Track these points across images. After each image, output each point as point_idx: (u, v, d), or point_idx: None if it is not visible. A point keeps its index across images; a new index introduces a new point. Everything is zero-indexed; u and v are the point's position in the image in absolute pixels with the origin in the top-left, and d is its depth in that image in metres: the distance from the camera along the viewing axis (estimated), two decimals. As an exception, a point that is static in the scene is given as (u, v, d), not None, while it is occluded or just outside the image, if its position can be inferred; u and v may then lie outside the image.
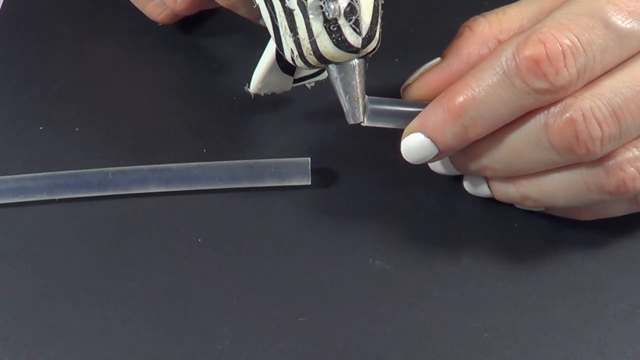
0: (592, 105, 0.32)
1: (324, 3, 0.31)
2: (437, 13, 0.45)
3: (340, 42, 0.32)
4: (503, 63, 0.32)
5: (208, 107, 0.43)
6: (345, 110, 0.35)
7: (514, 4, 0.36)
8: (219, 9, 0.45)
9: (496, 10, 0.36)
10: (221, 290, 0.38)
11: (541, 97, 0.32)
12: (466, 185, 0.39)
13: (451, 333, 0.36)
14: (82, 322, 0.37)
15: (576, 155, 0.33)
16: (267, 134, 0.41)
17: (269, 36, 0.35)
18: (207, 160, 0.41)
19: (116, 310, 0.37)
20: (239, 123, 0.42)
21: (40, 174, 0.40)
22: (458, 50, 0.36)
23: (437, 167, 0.39)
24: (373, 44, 0.33)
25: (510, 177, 0.36)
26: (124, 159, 0.41)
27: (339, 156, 0.41)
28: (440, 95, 0.35)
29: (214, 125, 0.42)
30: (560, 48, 0.31)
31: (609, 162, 0.33)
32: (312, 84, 0.40)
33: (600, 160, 0.33)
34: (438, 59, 0.37)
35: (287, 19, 0.32)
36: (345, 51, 0.32)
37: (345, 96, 0.34)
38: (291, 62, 0.34)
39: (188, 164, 0.40)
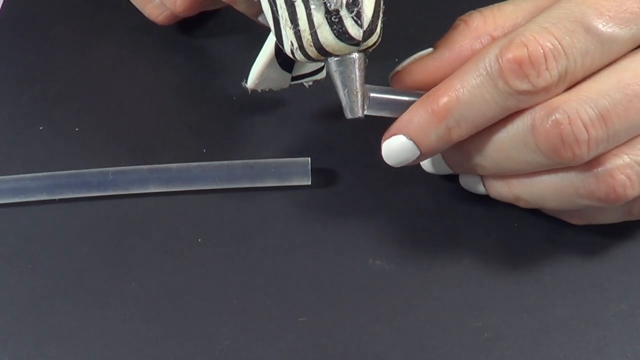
0: (579, 108, 0.32)
1: None
2: (437, 13, 0.45)
3: (341, 33, 0.32)
4: (487, 65, 0.33)
5: (208, 107, 0.43)
6: (343, 104, 0.34)
7: (509, 2, 0.37)
8: (219, 11, 0.45)
9: (492, 6, 0.36)
10: (221, 290, 0.38)
11: (523, 98, 0.33)
12: (462, 182, 0.39)
13: (451, 333, 0.36)
14: (82, 322, 0.37)
15: (562, 159, 0.32)
16: (267, 134, 0.41)
17: (269, 32, 0.35)
18: (207, 160, 0.41)
19: (116, 310, 0.37)
20: (239, 123, 0.42)
21: (40, 174, 0.40)
22: (451, 42, 0.36)
23: (427, 166, 0.39)
24: (374, 37, 0.33)
25: (503, 176, 0.36)
26: (124, 159, 0.41)
27: (339, 156, 0.41)
28: (423, 97, 0.35)
29: (213, 125, 0.42)
30: (542, 51, 0.32)
31: (599, 169, 0.33)
32: (310, 83, 0.40)
33: (590, 166, 0.33)
34: (430, 49, 0.37)
35: (288, 10, 0.32)
36: (346, 43, 0.32)
37: (344, 90, 0.34)
38: (291, 55, 0.34)
39: (188, 164, 0.40)
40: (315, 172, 0.40)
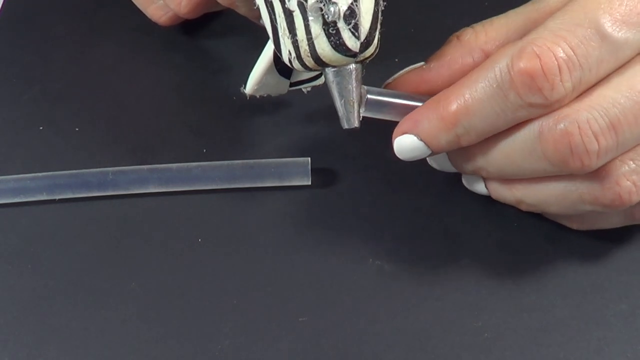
0: (589, 117, 0.31)
1: (324, 5, 0.31)
2: (437, 13, 0.45)
3: (338, 45, 0.32)
4: (497, 75, 0.32)
5: (208, 107, 0.43)
6: (340, 114, 0.34)
7: (501, 15, 0.36)
8: (222, 13, 0.45)
9: (484, 21, 0.36)
10: (221, 290, 0.38)
11: (535, 110, 0.32)
12: (464, 181, 0.39)
13: (451, 333, 0.36)
14: (82, 322, 0.37)
15: (570, 168, 0.32)
16: (267, 134, 0.41)
17: (268, 38, 0.35)
18: (207, 160, 0.41)
19: (116, 310, 0.37)
20: (239, 123, 0.42)
21: (40, 174, 0.40)
22: (442, 55, 0.36)
23: (431, 162, 0.39)
24: (371, 49, 0.33)
25: (506, 180, 0.36)
26: (124, 159, 0.41)
27: (339, 156, 0.41)
28: (433, 99, 0.35)
29: (213, 125, 0.42)
30: (556, 62, 0.31)
31: (605, 176, 0.33)
32: (309, 89, 0.40)
33: (595, 173, 0.33)
34: (422, 63, 0.37)
35: (286, 20, 0.32)
36: (342, 55, 0.32)
37: (341, 100, 0.34)
38: (288, 64, 0.34)
39: (188, 164, 0.40)
40: (315, 172, 0.40)
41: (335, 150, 0.41)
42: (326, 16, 0.31)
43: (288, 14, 0.32)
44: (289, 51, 0.33)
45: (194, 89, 0.43)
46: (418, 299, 0.37)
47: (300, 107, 0.42)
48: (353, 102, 0.34)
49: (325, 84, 0.34)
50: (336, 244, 0.39)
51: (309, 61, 0.33)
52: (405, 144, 0.35)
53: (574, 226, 0.38)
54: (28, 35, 0.48)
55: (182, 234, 0.39)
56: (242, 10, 0.38)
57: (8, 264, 0.39)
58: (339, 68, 0.33)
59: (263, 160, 0.40)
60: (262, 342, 0.36)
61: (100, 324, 0.37)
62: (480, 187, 0.38)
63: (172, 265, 0.38)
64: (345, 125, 0.35)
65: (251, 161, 0.40)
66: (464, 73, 0.34)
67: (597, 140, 0.31)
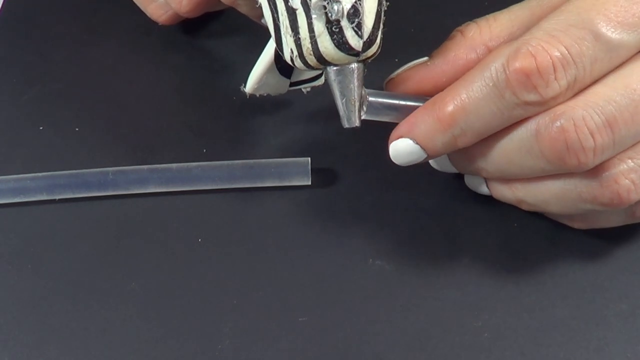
0: (585, 115, 0.31)
1: (327, 3, 0.31)
2: (437, 13, 0.45)
3: (341, 43, 0.32)
4: (493, 74, 0.32)
5: (208, 107, 0.43)
6: (341, 113, 0.35)
7: (505, 10, 0.36)
8: (222, 12, 0.45)
9: (487, 16, 0.36)
10: (221, 290, 0.38)
11: (531, 108, 0.32)
12: (466, 181, 0.39)
13: (451, 333, 0.36)
14: (82, 322, 0.37)
15: (567, 165, 0.32)
16: (267, 134, 0.41)
17: (270, 37, 0.35)
18: (207, 160, 0.41)
19: (116, 310, 0.37)
20: (239, 123, 0.42)
21: (40, 174, 0.40)
22: (446, 52, 0.36)
23: (433, 164, 0.39)
24: (373, 48, 0.33)
25: (507, 180, 0.36)
26: (124, 159, 0.41)
27: (339, 156, 0.41)
28: (429, 102, 0.35)
29: (214, 125, 0.42)
30: (551, 61, 0.31)
31: (603, 174, 0.33)
32: (308, 89, 0.40)
33: (594, 171, 0.33)
34: (425, 58, 0.37)
35: (289, 18, 0.32)
36: (345, 53, 0.32)
37: (342, 99, 0.34)
38: (290, 62, 0.34)
39: (188, 164, 0.40)
40: (315, 172, 0.40)
41: (335, 150, 0.41)
42: (329, 14, 0.31)
43: (291, 12, 0.32)
44: (291, 49, 0.33)
45: (194, 89, 0.43)
46: (418, 298, 0.37)
47: (301, 107, 0.42)
48: (355, 101, 0.34)
49: (325, 84, 0.34)
50: (336, 243, 0.39)
51: (312, 60, 0.33)
52: (400, 148, 0.36)
53: (575, 225, 0.38)
54: (28, 35, 0.48)
55: (182, 234, 0.39)
56: (243, 9, 0.38)
57: (8, 264, 0.39)
58: (341, 67, 0.33)
59: (263, 160, 0.40)
60: (262, 342, 0.36)
61: (100, 324, 0.37)
62: (482, 188, 0.38)
63: (172, 265, 0.38)
64: (346, 125, 0.35)
65: (251, 161, 0.40)
66: (468, 70, 0.34)
67: (592, 137, 0.31)
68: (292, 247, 0.39)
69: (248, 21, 0.39)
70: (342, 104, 0.34)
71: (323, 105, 0.42)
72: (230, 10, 0.40)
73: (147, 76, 0.44)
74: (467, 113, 0.33)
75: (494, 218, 0.39)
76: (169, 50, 0.46)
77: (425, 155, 0.35)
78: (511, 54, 0.32)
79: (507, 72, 0.32)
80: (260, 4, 0.34)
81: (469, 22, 0.37)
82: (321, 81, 0.40)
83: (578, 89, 0.32)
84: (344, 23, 0.32)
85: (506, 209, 0.39)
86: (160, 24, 0.44)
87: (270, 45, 0.37)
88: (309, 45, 0.32)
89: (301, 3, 0.31)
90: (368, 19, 0.32)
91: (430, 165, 0.39)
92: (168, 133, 0.42)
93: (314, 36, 0.32)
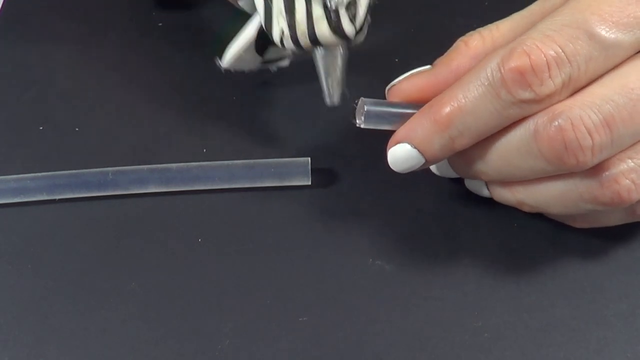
0: (582, 114, 0.31)
1: None
2: (437, 13, 0.45)
3: (337, 29, 0.34)
4: (489, 74, 0.32)
5: (208, 107, 0.43)
6: (324, 91, 0.37)
7: (507, 19, 0.37)
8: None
9: (490, 25, 0.37)
10: (221, 290, 0.38)
11: (527, 107, 0.32)
12: (467, 184, 0.39)
13: (451, 333, 0.36)
14: (82, 323, 0.37)
15: (566, 165, 0.32)
16: (267, 133, 0.41)
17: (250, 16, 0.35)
18: (207, 160, 0.41)
19: (116, 310, 0.37)
20: (239, 123, 0.42)
21: (40, 174, 0.40)
22: (449, 61, 0.36)
23: (433, 169, 0.39)
24: (361, 36, 0.36)
25: (507, 182, 0.36)
26: (124, 159, 0.41)
27: (339, 156, 0.41)
28: (426, 106, 0.35)
29: (214, 125, 0.42)
30: (545, 59, 0.31)
31: (603, 174, 0.33)
32: (275, 69, 0.41)
33: (594, 171, 0.33)
34: (428, 66, 0.37)
35: (284, 1, 0.34)
36: (339, 38, 0.35)
37: (327, 78, 0.36)
38: (279, 43, 0.35)
39: (188, 164, 0.40)
40: (315, 172, 0.40)
41: (335, 151, 0.41)
42: (329, 3, 0.33)
43: None
44: (282, 30, 0.35)
45: (194, 88, 0.43)
46: (418, 298, 0.37)
47: (301, 107, 0.42)
48: (338, 81, 0.37)
49: (313, 61, 0.36)
50: (336, 244, 0.39)
51: (305, 41, 0.35)
52: (398, 154, 0.36)
53: (577, 225, 0.38)
54: (28, 35, 0.48)
55: (182, 234, 0.39)
56: None
57: (8, 264, 0.39)
58: (330, 49, 0.35)
59: (263, 160, 0.40)
60: (262, 342, 0.36)
61: (100, 324, 0.37)
62: (483, 190, 0.38)
63: (172, 265, 0.38)
64: (328, 102, 0.37)
65: (251, 161, 0.40)
66: None
67: (590, 136, 0.31)
68: (292, 247, 0.39)
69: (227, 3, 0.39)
70: (327, 82, 0.37)
71: (323, 106, 0.42)
72: (227, 10, 0.40)
73: (147, 76, 0.44)
74: (464, 114, 0.33)
75: (494, 218, 0.39)
76: (169, 51, 0.46)
77: (423, 160, 0.36)
78: (506, 54, 0.32)
79: (502, 71, 0.32)
80: None
81: (472, 32, 0.37)
82: (287, 62, 0.41)
83: (574, 88, 0.32)
84: (342, 12, 0.34)
85: (506, 210, 0.39)
86: None
87: (253, 24, 0.37)
88: (305, 29, 0.34)
89: None
90: (362, 9, 0.35)
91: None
92: (168, 133, 0.42)
93: (312, 21, 0.34)
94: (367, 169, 0.41)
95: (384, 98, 0.41)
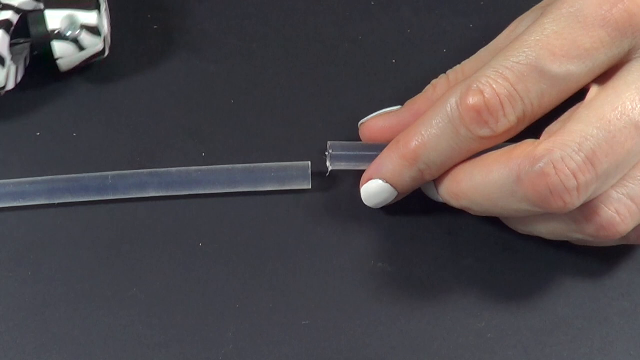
0: (564, 155, 0.31)
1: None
2: (433, 14, 0.45)
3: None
4: (449, 112, 0.34)
5: (207, 111, 0.43)
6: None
7: (473, 57, 0.39)
8: None
9: (457, 67, 0.38)
10: (223, 295, 0.37)
11: (486, 142, 0.34)
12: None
13: (454, 334, 0.36)
14: (83, 328, 0.37)
15: (553, 209, 0.32)
16: (267, 137, 0.41)
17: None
18: (206, 164, 0.40)
19: (117, 315, 0.37)
20: (238, 127, 0.42)
21: (39, 178, 0.40)
22: (414, 104, 0.38)
23: (426, 191, 0.39)
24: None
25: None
26: (123, 163, 0.41)
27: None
28: (393, 142, 0.36)
29: (213, 129, 0.42)
30: (498, 98, 0.32)
31: (588, 207, 0.33)
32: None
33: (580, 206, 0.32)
34: (398, 107, 0.39)
35: None
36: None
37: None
38: None
39: (188, 168, 0.40)
40: (316, 175, 0.40)
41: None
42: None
43: None
44: None
45: (193, 92, 0.43)
46: (421, 300, 0.37)
47: (301, 111, 0.42)
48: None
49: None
50: (337, 247, 0.39)
51: None
52: (371, 189, 0.37)
53: (573, 242, 0.38)
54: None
55: (183, 239, 0.39)
56: None
57: (7, 269, 0.38)
58: None
59: (263, 165, 0.40)
60: (265, 346, 0.36)
61: (101, 330, 0.37)
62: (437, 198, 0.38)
63: (173, 270, 0.38)
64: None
65: (251, 165, 0.40)
66: None
67: (575, 177, 0.31)
68: (294, 250, 0.39)
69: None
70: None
71: (324, 109, 0.42)
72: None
73: (146, 80, 0.44)
74: (429, 149, 0.35)
75: (496, 219, 0.39)
76: (167, 54, 0.45)
77: (396, 193, 0.37)
78: (463, 91, 0.33)
79: (460, 109, 0.33)
80: None
81: (442, 75, 0.39)
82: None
83: (531, 121, 0.33)
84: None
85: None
86: None
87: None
88: None
89: None
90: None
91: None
92: (167, 137, 0.42)
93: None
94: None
95: (381, 99, 0.41)
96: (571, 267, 0.38)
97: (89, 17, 0.40)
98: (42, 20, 0.39)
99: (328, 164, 0.39)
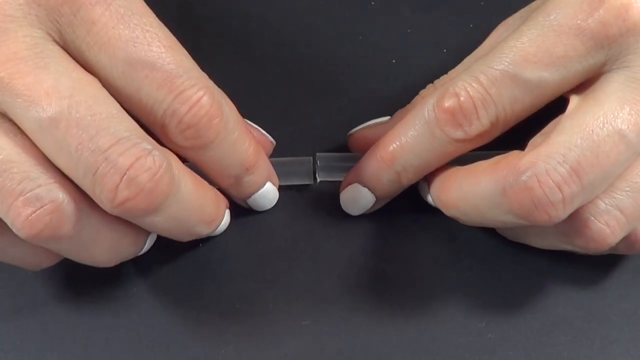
0: (548, 167, 0.30)
1: None
2: (433, 13, 0.45)
3: None
4: (426, 114, 0.34)
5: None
6: None
7: (458, 66, 0.39)
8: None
9: (444, 77, 0.39)
10: (223, 294, 0.37)
11: (461, 145, 0.34)
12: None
13: (455, 334, 0.36)
14: (83, 328, 0.37)
15: (538, 222, 0.31)
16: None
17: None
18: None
19: (117, 315, 0.37)
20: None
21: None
22: (402, 114, 0.38)
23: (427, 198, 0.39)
24: None
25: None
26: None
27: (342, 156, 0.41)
28: (373, 147, 0.37)
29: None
30: (472, 101, 0.33)
31: (575, 219, 0.32)
32: None
33: (567, 218, 0.32)
34: (387, 117, 0.39)
35: None
36: None
37: None
38: None
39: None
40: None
41: (338, 150, 0.41)
42: None
43: None
44: None
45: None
46: (421, 300, 0.37)
47: (303, 106, 0.42)
48: None
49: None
50: (338, 246, 0.39)
51: None
52: (349, 194, 0.38)
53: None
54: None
55: (183, 238, 0.39)
56: None
57: (7, 270, 0.38)
58: None
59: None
60: (265, 346, 0.36)
61: (102, 330, 0.37)
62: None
63: (173, 269, 0.38)
64: None
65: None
66: None
67: (560, 189, 0.30)
68: (294, 249, 0.39)
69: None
70: None
71: (326, 105, 0.42)
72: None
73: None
74: (405, 151, 0.35)
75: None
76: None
77: (374, 198, 0.38)
78: (440, 94, 0.34)
79: (436, 112, 0.34)
80: None
81: (429, 85, 0.39)
82: None
83: (505, 126, 0.34)
84: None
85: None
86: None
87: None
88: None
89: None
90: None
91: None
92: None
93: None
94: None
95: (381, 99, 0.41)
96: (571, 268, 0.38)
97: None
98: None
99: (317, 175, 0.39)
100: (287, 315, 0.37)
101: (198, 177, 0.34)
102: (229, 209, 0.38)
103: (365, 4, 0.45)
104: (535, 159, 0.31)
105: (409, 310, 0.37)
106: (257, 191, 0.37)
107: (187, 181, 0.33)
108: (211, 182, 0.36)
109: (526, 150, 0.32)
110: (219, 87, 0.40)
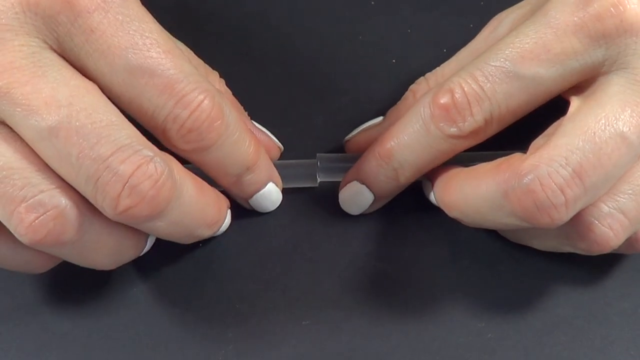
0: (550, 170, 0.30)
1: None
2: (433, 13, 0.45)
3: None
4: (421, 111, 0.34)
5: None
6: None
7: (453, 59, 0.39)
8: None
9: (437, 70, 0.39)
10: (224, 294, 0.37)
11: (455, 142, 0.34)
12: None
13: (455, 334, 0.36)
14: (83, 328, 0.37)
15: (541, 224, 0.31)
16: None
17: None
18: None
19: (117, 315, 0.37)
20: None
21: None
22: (396, 113, 0.39)
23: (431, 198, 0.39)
24: None
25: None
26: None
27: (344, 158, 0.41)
28: (371, 145, 0.37)
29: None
30: (466, 97, 0.33)
31: (578, 222, 0.32)
32: None
33: (570, 221, 0.32)
34: (380, 118, 0.39)
35: None
36: None
37: None
38: None
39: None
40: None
41: (338, 150, 0.41)
42: None
43: None
44: None
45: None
46: (421, 300, 0.37)
47: (305, 108, 0.42)
48: None
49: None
50: (339, 246, 0.39)
51: None
52: (347, 193, 0.38)
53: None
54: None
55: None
56: None
57: (7, 271, 0.38)
58: None
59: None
60: (265, 347, 0.36)
61: (102, 330, 0.37)
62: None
63: (174, 270, 0.38)
64: None
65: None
66: None
67: (562, 192, 0.30)
68: (295, 250, 0.39)
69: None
70: None
71: (330, 107, 0.42)
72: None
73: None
74: (402, 147, 0.35)
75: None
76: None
77: (372, 196, 0.38)
78: (435, 91, 0.34)
79: (431, 108, 0.34)
80: None
81: (421, 78, 0.39)
82: None
83: (500, 124, 0.34)
84: None
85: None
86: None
87: None
88: None
89: None
90: None
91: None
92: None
93: None
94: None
95: (381, 99, 0.41)
96: (571, 268, 0.38)
97: None
98: None
99: (318, 176, 0.39)
100: (287, 315, 0.37)
101: (199, 180, 0.34)
102: (229, 209, 0.38)
103: (365, 4, 0.45)
104: (537, 161, 0.31)
105: (409, 310, 0.37)
106: (258, 190, 0.37)
107: (188, 186, 0.33)
108: (212, 182, 0.36)
109: (528, 152, 0.32)
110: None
